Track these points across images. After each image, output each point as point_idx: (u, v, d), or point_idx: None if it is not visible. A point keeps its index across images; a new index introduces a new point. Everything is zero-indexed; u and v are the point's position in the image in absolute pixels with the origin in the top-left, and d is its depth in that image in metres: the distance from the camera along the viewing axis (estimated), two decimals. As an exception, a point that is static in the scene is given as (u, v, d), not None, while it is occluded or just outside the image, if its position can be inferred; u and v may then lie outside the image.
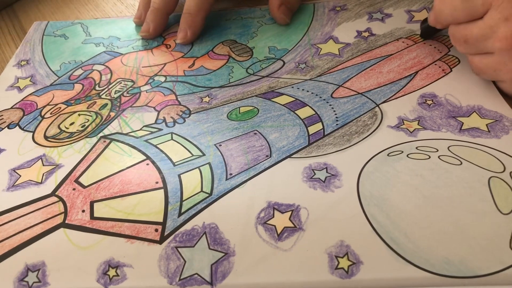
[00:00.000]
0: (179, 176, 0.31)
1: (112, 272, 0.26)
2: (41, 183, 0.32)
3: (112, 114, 0.38)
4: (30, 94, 0.41)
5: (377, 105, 0.35)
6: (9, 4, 0.58)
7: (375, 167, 0.30)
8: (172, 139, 0.35)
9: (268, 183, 0.30)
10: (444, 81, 0.37)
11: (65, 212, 0.30)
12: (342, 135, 0.33)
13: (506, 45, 0.30)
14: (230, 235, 0.27)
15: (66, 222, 0.29)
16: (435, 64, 0.38)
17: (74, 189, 0.31)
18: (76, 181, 0.32)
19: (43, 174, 0.33)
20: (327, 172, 0.30)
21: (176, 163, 0.32)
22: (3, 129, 0.37)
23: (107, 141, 0.35)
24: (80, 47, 0.47)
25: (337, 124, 0.34)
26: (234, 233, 0.28)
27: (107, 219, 0.29)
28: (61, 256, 0.27)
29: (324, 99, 0.36)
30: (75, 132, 0.36)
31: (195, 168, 0.32)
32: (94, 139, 0.35)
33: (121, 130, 0.36)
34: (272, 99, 0.37)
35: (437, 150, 0.31)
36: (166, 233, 0.28)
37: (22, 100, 0.41)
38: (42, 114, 0.39)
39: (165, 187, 0.31)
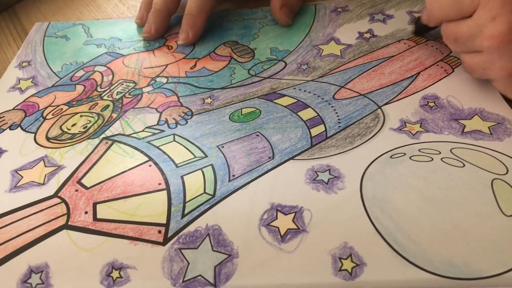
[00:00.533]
0: (182, 177, 0.31)
1: (115, 274, 0.26)
2: (43, 184, 0.32)
3: (114, 115, 0.38)
4: (31, 95, 0.41)
5: (379, 107, 0.35)
6: (10, 5, 0.57)
7: (378, 169, 0.30)
8: (174, 140, 0.35)
9: (271, 185, 0.30)
10: (446, 82, 0.37)
11: (68, 214, 0.30)
12: (344, 137, 0.33)
13: (493, 44, 0.30)
14: (233, 236, 0.27)
15: (69, 223, 0.29)
16: (437, 65, 0.38)
17: (76, 190, 0.31)
18: (79, 182, 0.32)
19: (45, 175, 0.33)
20: (330, 174, 0.30)
21: (178, 165, 0.32)
22: (4, 130, 0.37)
23: (109, 142, 0.35)
24: (81, 48, 0.47)
25: (339, 126, 0.34)
26: (238, 234, 0.28)
27: (110, 220, 0.29)
28: (64, 258, 0.27)
29: (326, 101, 0.37)
30: (77, 133, 0.36)
31: (198, 169, 0.32)
32: (96, 140, 0.35)
33: (123, 131, 0.36)
34: (274, 101, 0.37)
35: (440, 153, 0.31)
36: (169, 235, 0.28)
37: (23, 101, 0.40)
38: (44, 115, 0.39)
39: (168, 189, 0.31)
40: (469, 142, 0.32)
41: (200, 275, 0.26)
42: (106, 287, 0.26)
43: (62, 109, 0.39)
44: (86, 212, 0.30)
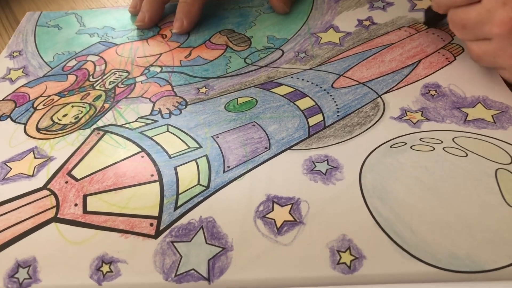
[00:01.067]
0: (175, 168, 0.30)
1: (105, 268, 0.25)
2: (32, 176, 0.31)
3: (106, 105, 0.37)
4: (22, 86, 0.40)
5: (379, 96, 0.34)
6: (1, -6, 0.56)
7: (378, 159, 0.29)
8: (168, 131, 0.33)
9: (267, 176, 0.29)
10: (448, 70, 0.36)
11: (57, 206, 0.29)
12: (343, 127, 0.32)
13: (503, 30, 0.29)
14: (228, 229, 0.26)
15: (58, 216, 0.28)
16: (439, 53, 0.37)
17: (66, 182, 0.30)
18: (69, 174, 0.31)
19: (35, 167, 0.32)
20: (328, 164, 0.30)
21: (172, 156, 0.31)
22: (-6, 121, 0.36)
23: (101, 133, 0.34)
24: (74, 37, 0.46)
25: (338, 116, 0.33)
26: (232, 227, 0.27)
27: (100, 213, 0.28)
28: (52, 252, 0.26)
29: (324, 89, 0.35)
30: (68, 124, 0.35)
31: (192, 160, 0.31)
32: (88, 131, 0.34)
33: (116, 121, 0.35)
34: (271, 90, 0.36)
35: (442, 142, 0.30)
36: (161, 228, 0.27)
37: (14, 91, 0.39)
38: (35, 105, 0.38)
39: (160, 180, 0.30)
40: (472, 131, 0.31)
41: (193, 269, 0.25)
42: (96, 281, 0.25)
43: (53, 99, 0.38)
44: (75, 205, 0.29)
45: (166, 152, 0.32)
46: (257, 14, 0.46)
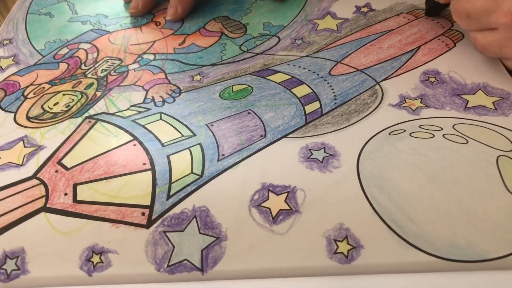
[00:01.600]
0: (168, 157, 0.30)
1: (96, 259, 0.25)
2: (21, 165, 0.30)
3: (98, 93, 0.36)
4: (12, 74, 0.39)
5: (378, 83, 0.33)
6: (-8, -18, 0.55)
7: (376, 147, 0.29)
8: (161, 119, 0.33)
9: (262, 164, 0.29)
10: (448, 57, 0.35)
11: (47, 196, 0.28)
12: (340, 114, 0.31)
13: (511, 20, 0.28)
14: (222, 218, 0.26)
15: (47, 206, 0.27)
16: (438, 39, 0.37)
17: (56, 171, 0.29)
18: (59, 163, 0.30)
19: (24, 156, 0.31)
20: (325, 152, 0.29)
21: (165, 144, 0.30)
22: (-17, 110, 0.35)
23: (93, 121, 0.33)
24: (66, 25, 0.45)
25: (335, 103, 0.32)
26: (226, 216, 0.26)
27: (91, 202, 0.27)
28: (41, 242, 0.26)
29: (321, 77, 0.35)
30: (59, 113, 0.34)
31: (185, 149, 0.30)
32: (79, 120, 0.33)
33: (108, 110, 0.34)
34: (267, 77, 0.35)
35: (442, 129, 0.29)
36: (153, 217, 0.26)
37: (4, 80, 0.38)
38: (25, 94, 0.37)
39: (153, 169, 0.29)
40: (472, 118, 0.30)
41: (186, 259, 0.24)
42: (86, 272, 0.24)
43: (44, 87, 0.37)
44: (65, 194, 0.28)
45: (159, 140, 0.31)
46: (253, 1, 0.45)
